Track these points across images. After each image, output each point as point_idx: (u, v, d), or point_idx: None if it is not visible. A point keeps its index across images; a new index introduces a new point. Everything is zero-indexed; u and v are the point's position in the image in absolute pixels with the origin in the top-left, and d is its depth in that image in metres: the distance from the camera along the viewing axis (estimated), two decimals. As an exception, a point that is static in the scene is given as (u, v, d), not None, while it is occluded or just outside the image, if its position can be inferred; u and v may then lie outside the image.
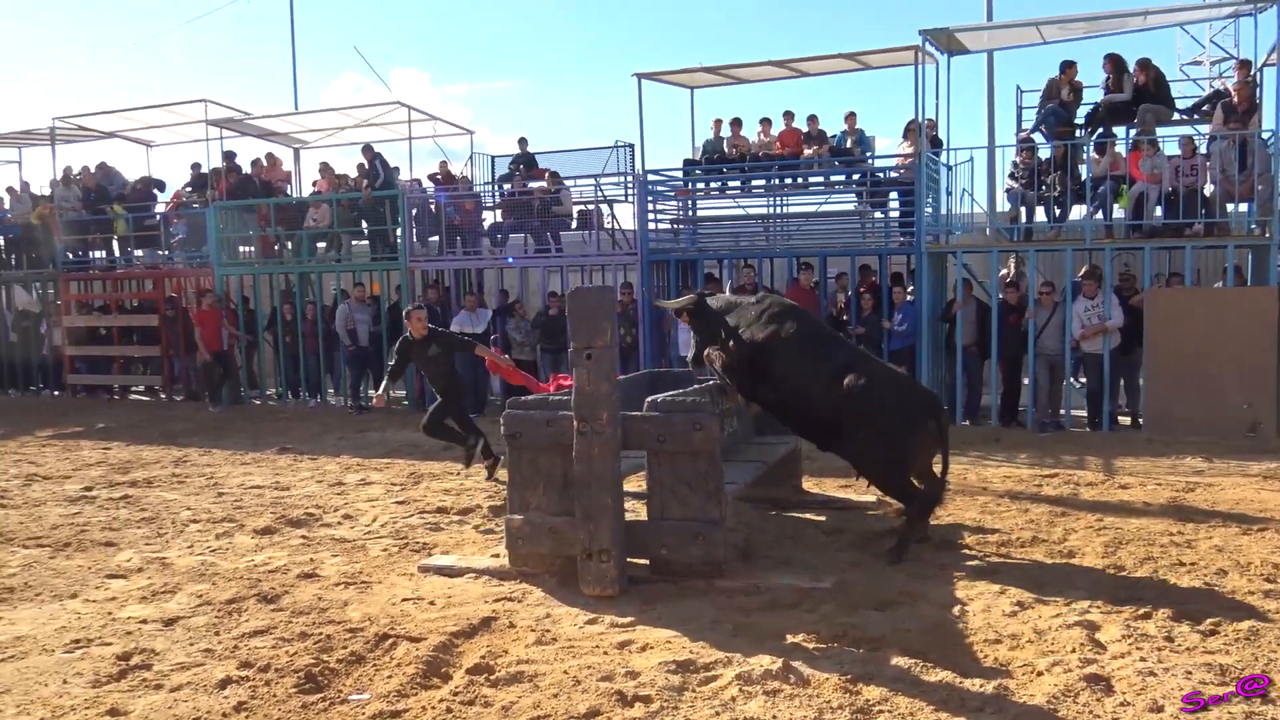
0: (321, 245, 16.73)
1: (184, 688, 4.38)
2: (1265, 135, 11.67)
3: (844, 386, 6.27)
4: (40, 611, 5.53)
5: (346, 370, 15.29)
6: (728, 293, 13.57)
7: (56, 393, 17.91)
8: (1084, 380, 12.39)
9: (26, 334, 18.31)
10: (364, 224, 16.01)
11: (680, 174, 15.15)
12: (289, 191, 17.90)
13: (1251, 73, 12.31)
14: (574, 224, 15.61)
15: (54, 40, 67.62)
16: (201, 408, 15.39)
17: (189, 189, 17.96)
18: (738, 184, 14.99)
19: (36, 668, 4.66)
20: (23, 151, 19.44)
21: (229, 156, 17.33)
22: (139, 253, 18.03)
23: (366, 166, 16.30)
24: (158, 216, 17.91)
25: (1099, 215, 12.52)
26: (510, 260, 15.28)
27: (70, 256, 17.94)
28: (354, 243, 16.64)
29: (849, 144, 14.46)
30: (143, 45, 67.09)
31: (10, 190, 19.20)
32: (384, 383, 9.41)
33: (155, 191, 18.51)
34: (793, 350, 6.49)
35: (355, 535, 7.27)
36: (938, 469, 6.46)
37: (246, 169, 17.44)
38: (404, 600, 5.59)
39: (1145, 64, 12.69)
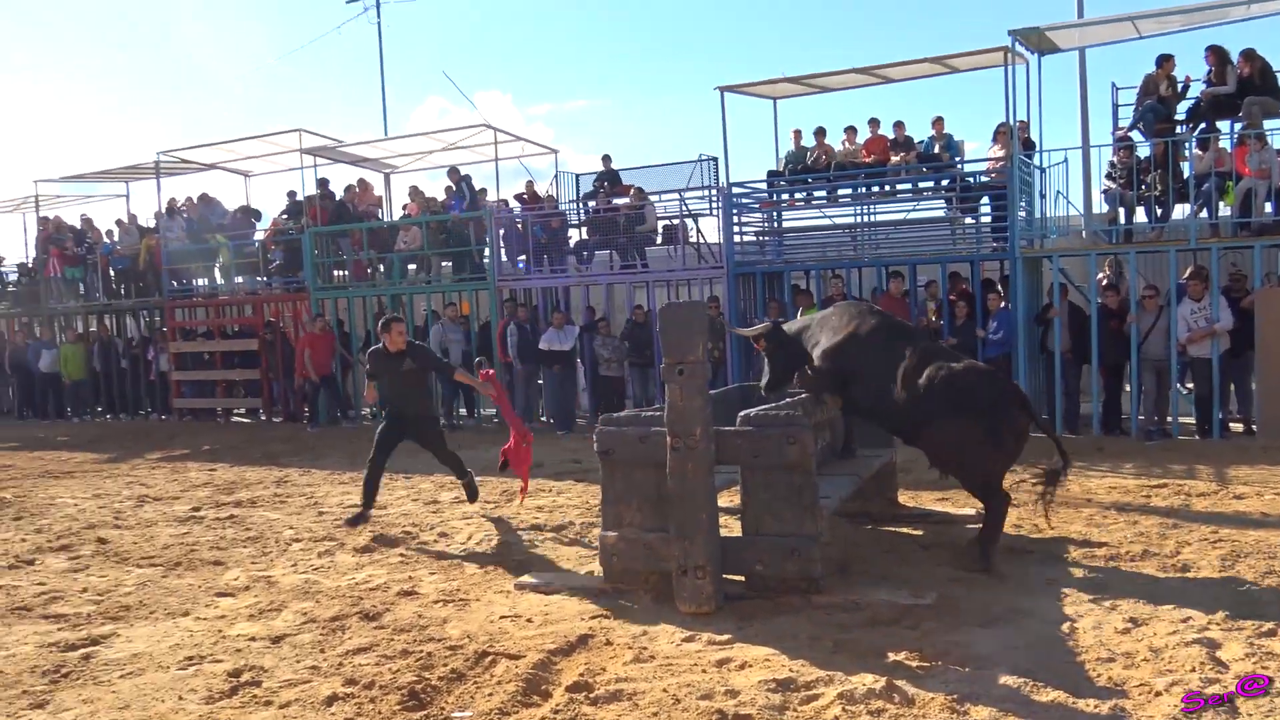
0: (412, 267, 17.11)
1: (292, 704, 4.48)
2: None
3: (924, 378, 6.20)
4: (155, 629, 5.73)
5: (440, 388, 15.58)
6: (816, 303, 13.46)
7: (164, 417, 18.61)
8: (1191, 386, 11.93)
9: (135, 361, 19.08)
10: (452, 245, 16.30)
11: (765, 186, 15.09)
12: (380, 215, 18.35)
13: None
14: (659, 239, 15.66)
15: (155, 79, 70.61)
16: (300, 429, 15.81)
17: (285, 216, 18.54)
18: (823, 194, 14.86)
19: (153, 684, 4.82)
20: (130, 185, 20.34)
21: (323, 184, 17.84)
22: (239, 279, 18.68)
23: (454, 189, 16.62)
24: (256, 244, 18.51)
25: (1203, 213, 12.07)
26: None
27: (175, 285, 18.66)
28: (443, 264, 16.97)
29: (937, 149, 14.25)
30: (241, 79, 69.56)
31: (119, 223, 20.07)
32: (368, 388, 8.96)
33: (253, 220, 19.19)
34: (871, 348, 6.52)
35: (452, 552, 7.36)
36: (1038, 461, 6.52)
37: (340, 195, 17.94)
38: (502, 617, 5.63)
39: (1250, 54, 12.21)
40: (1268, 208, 11.63)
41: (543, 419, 15.40)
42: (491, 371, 8.98)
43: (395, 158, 19.18)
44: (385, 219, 18.18)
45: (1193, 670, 4.37)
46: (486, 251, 16.06)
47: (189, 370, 18.36)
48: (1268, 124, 12.14)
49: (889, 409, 6.49)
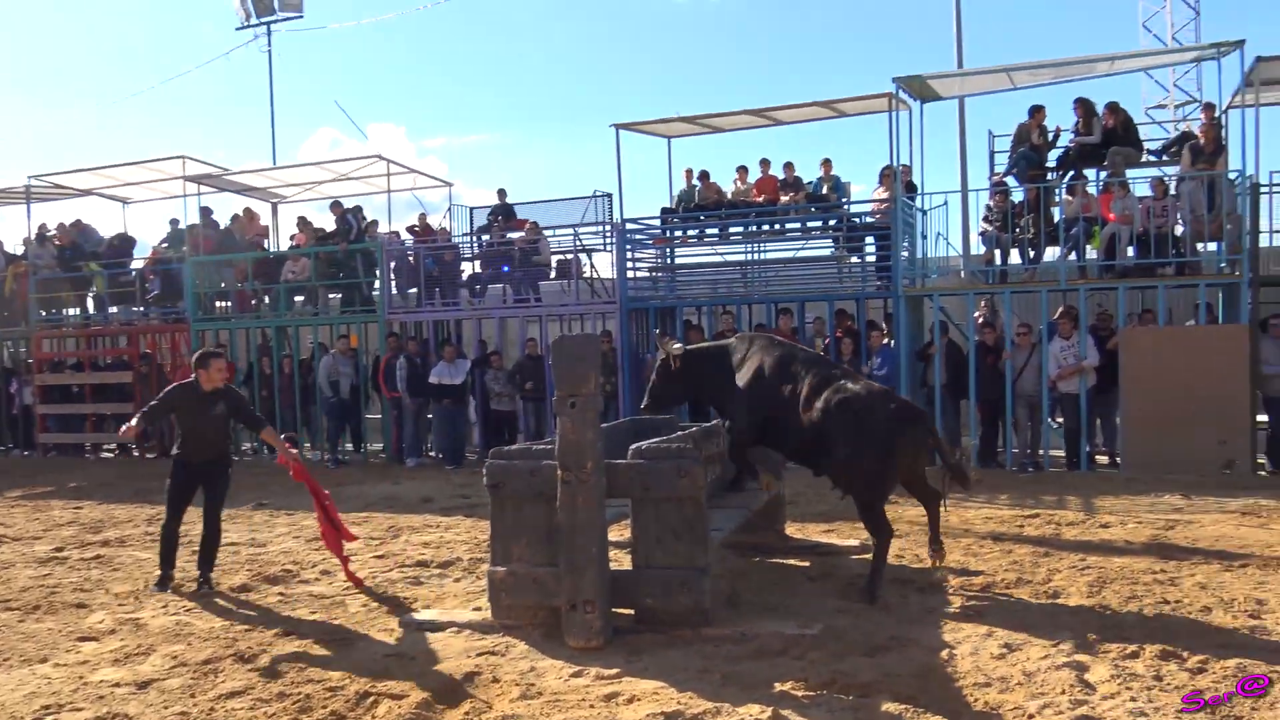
0: (299, 299, 16.71)
1: (159, 752, 4.27)
2: (1232, 176, 11.90)
3: (822, 401, 6.36)
4: (9, 677, 5.40)
5: (325, 422, 15.18)
6: (708, 339, 13.64)
7: (26, 453, 17.67)
8: (1061, 420, 12.46)
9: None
10: (341, 276, 15.99)
11: (658, 222, 15.27)
12: (266, 246, 17.89)
13: (1216, 115, 12.58)
14: (553, 274, 15.67)
15: (28, 99, 67.74)
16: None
17: (165, 244, 17.92)
18: (715, 231, 15.10)
19: (6, 735, 4.53)
20: (-4, 210, 19.41)
21: (205, 212, 17.34)
22: (114, 309, 17.94)
23: (338, 222, 16.34)
24: (133, 273, 17.84)
25: (1072, 256, 12.68)
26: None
27: (43, 314, 17.81)
28: (331, 295, 16.63)
29: (825, 190, 14.64)
30: (120, 103, 67.28)
31: (-17, 249, 19.10)
32: (136, 418, 7.49)
33: (130, 248, 18.47)
34: (775, 377, 6.63)
35: (334, 591, 7.15)
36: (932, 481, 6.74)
37: (226, 224, 17.44)
38: (385, 656, 5.50)
39: (1114, 107, 12.97)
40: (1130, 251, 12.30)
41: (431, 453, 15.16)
42: (296, 458, 8.01)
43: (283, 187, 18.77)
44: (272, 249, 17.74)
45: (1063, 693, 4.53)
46: (376, 284, 15.81)
47: (56, 404, 17.49)
48: (1129, 173, 12.88)
49: (790, 436, 6.63)
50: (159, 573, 7.49)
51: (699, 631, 5.54)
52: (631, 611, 5.74)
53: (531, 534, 5.81)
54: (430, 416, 15.02)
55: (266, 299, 16.74)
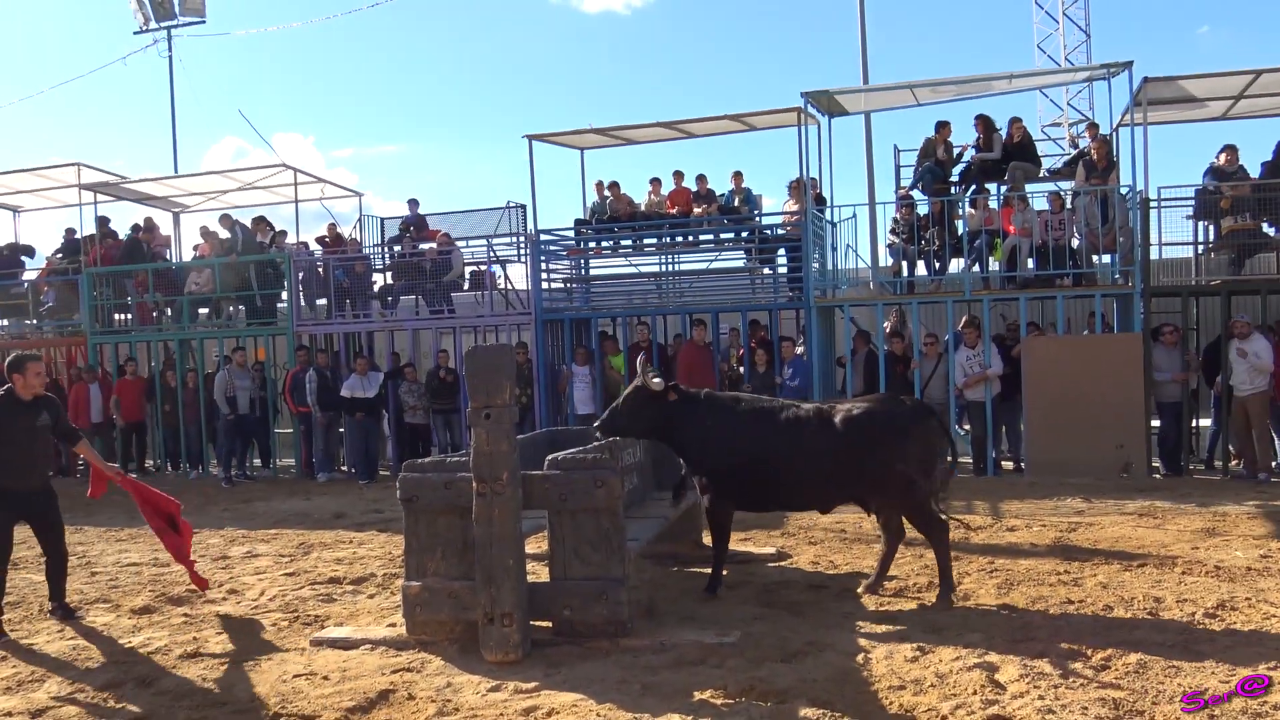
0: (203, 311, 16.23)
1: (54, 784, 4.07)
2: (1124, 190, 12.37)
3: (837, 425, 6.23)
4: (-110, 709, 5.10)
5: (219, 439, 14.71)
6: (623, 350, 13.64)
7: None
8: (968, 427, 12.78)
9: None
10: (254, 287, 15.57)
11: (572, 234, 15.24)
12: (169, 257, 17.34)
13: (1101, 134, 13.08)
14: (466, 285, 15.51)
15: (-88, 103, 64.67)
16: (73, 483, 14.58)
17: (60, 255, 17.24)
18: (629, 243, 15.14)
19: (-114, 772, 4.27)
20: (-124, 218, 18.41)
21: (103, 222, 16.72)
22: (4, 322, 17.16)
23: (227, 235, 15.94)
24: (26, 284, 17.11)
25: (976, 268, 13.04)
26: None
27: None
28: (238, 308, 16.18)
29: (736, 202, 14.79)
30: (6, 108, 64.61)
31: None
32: None
33: (24, 258, 17.71)
34: (749, 438, 6.38)
35: (242, 611, 6.93)
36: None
37: (125, 234, 16.85)
38: (296, 676, 5.34)
39: (1016, 122, 13.37)
40: (1030, 263, 12.69)
41: (343, 468, 14.84)
42: (116, 470, 7.36)
43: (186, 196, 18.23)
44: (174, 260, 17.19)
45: (974, 693, 4.61)
46: (284, 296, 15.44)
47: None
48: (1028, 187, 13.31)
49: (801, 482, 6.38)
50: None
51: (617, 642, 5.51)
52: (550, 624, 5.68)
53: (447, 547, 5.72)
54: (342, 430, 14.71)
55: (169, 311, 16.22)
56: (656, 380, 6.55)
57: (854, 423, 6.27)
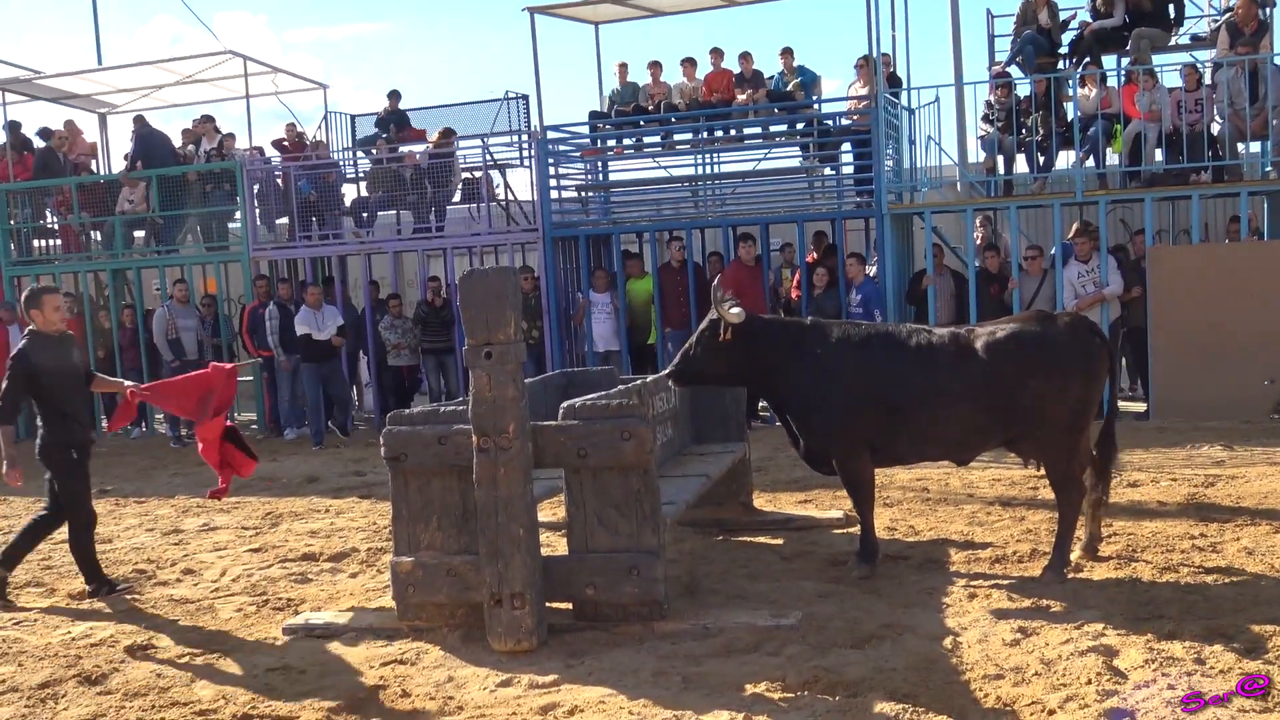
0: (139, 235, 16.34)
1: (-13, 799, 4.21)
2: (1278, 62, 12.09)
3: (979, 353, 6.21)
4: None
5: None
6: (652, 271, 13.63)
7: None
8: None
9: None
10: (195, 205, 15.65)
11: (587, 130, 15.15)
12: (95, 167, 17.42)
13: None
14: (458, 197, 15.49)
15: None
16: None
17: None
18: (658, 140, 15.02)
19: None
20: None
21: (13, 127, 16.80)
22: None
23: (133, 145, 15.97)
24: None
25: (1090, 162, 12.85)
26: None
27: None
28: (184, 230, 16.26)
29: (789, 87, 14.60)
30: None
31: None
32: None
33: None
34: (883, 373, 6.35)
35: (200, 595, 7.08)
36: None
37: (43, 141, 16.91)
38: (268, 671, 5.46)
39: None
40: (1158, 155, 12.48)
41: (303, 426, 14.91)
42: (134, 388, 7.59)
43: (113, 94, 18.26)
44: (101, 172, 17.28)
45: (1089, 682, 4.65)
46: (236, 214, 15.49)
47: None
48: (1156, 59, 13.04)
49: (937, 427, 6.37)
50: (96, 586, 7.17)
51: (652, 626, 5.58)
52: (569, 605, 5.76)
53: (443, 516, 5.79)
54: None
55: (98, 235, 16.34)
56: (735, 310, 6.41)
57: (1000, 349, 6.24)
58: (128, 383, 7.84)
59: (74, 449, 7.10)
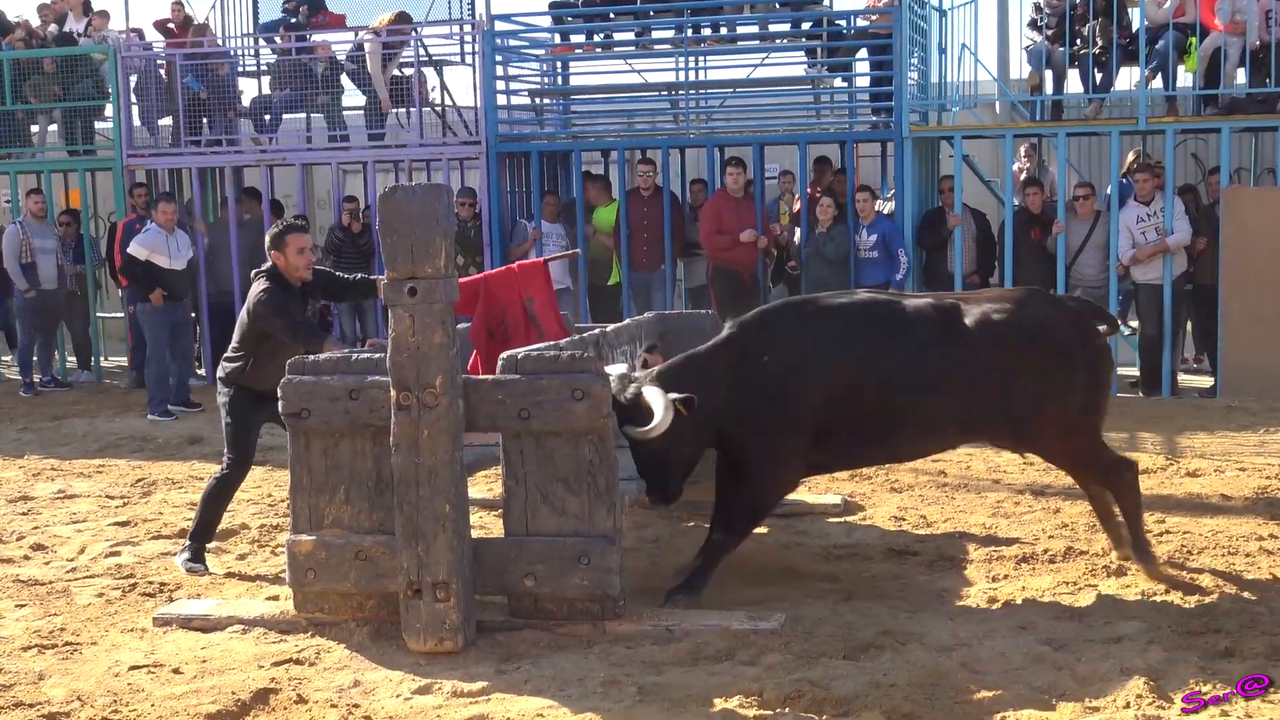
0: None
1: None
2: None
3: (969, 329, 6.19)
4: None
5: (17, 327, 14.70)
6: (619, 198, 13.57)
7: None
8: (1135, 323, 12.76)
9: None
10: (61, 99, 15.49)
11: (544, 24, 15.05)
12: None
13: None
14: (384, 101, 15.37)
15: None
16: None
17: None
18: (631, 37, 14.94)
19: None
20: None
21: None
22: None
23: None
24: None
25: (1157, 82, 12.86)
26: None
27: None
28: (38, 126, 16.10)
29: (794, -22, 14.56)
30: None
31: None
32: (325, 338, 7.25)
33: None
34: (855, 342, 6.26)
35: (53, 575, 7.08)
36: None
37: None
38: (133, 669, 5.47)
39: None
40: (1240, 76, 12.50)
41: (201, 372, 14.86)
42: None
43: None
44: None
45: (1127, 706, 4.72)
46: (107, 110, 15.33)
47: None
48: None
49: (906, 421, 6.32)
50: (192, 549, 7.22)
51: (603, 626, 5.62)
52: (504, 599, 5.80)
53: (353, 486, 5.80)
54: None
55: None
56: (677, 396, 5.92)
57: (992, 329, 6.22)
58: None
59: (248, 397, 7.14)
